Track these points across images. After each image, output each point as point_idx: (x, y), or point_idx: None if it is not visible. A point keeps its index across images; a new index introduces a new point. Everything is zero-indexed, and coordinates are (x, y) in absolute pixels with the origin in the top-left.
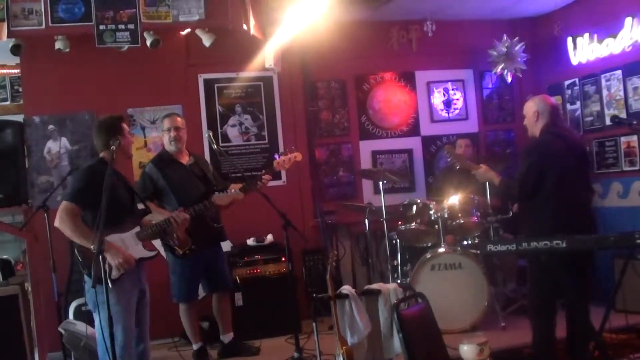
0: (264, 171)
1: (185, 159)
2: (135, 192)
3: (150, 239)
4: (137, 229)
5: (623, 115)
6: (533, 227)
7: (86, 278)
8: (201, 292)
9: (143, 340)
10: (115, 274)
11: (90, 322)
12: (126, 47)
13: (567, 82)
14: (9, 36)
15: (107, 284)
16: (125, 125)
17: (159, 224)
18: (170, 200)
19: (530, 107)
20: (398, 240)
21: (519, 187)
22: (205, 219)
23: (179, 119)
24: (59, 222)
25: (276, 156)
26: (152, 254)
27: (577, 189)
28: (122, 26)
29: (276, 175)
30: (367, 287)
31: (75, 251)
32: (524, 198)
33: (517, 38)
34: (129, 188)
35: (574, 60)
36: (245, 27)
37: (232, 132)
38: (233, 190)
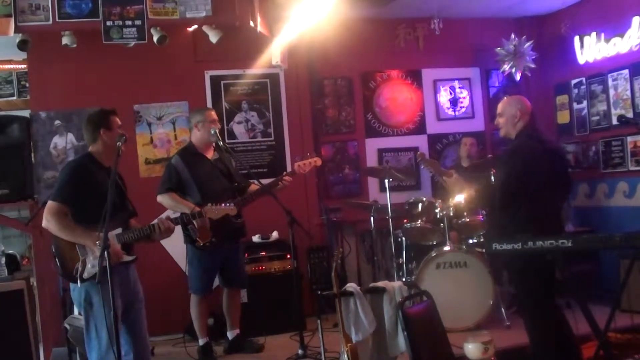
0: (285, 173)
1: (211, 154)
2: (125, 193)
3: (132, 242)
4: (119, 230)
5: (630, 114)
6: (504, 230)
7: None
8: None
9: (139, 341)
10: (86, 274)
11: None
12: (133, 43)
13: (574, 81)
14: (16, 31)
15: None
16: (115, 120)
17: (142, 229)
18: (194, 193)
19: (510, 107)
20: (403, 238)
21: (501, 194)
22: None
23: None
24: (45, 222)
25: (296, 159)
26: (130, 258)
27: (552, 192)
28: (129, 22)
29: (281, 173)
30: (372, 284)
31: (55, 257)
32: (504, 205)
33: (524, 37)
34: (119, 187)
35: (581, 60)
36: (252, 23)
37: (239, 129)
38: (228, 204)
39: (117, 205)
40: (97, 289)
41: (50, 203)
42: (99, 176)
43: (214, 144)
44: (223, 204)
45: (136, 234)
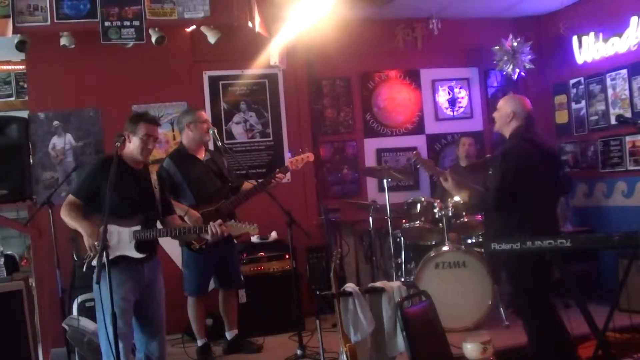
0: (277, 170)
1: (202, 155)
2: (154, 194)
3: (150, 240)
4: (137, 227)
5: (628, 114)
6: (501, 231)
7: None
8: (210, 286)
9: (154, 338)
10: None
11: (94, 319)
12: (131, 43)
13: (572, 81)
14: (14, 32)
15: (110, 281)
16: (145, 127)
17: (170, 230)
18: (187, 196)
19: (506, 106)
20: (402, 238)
21: (495, 196)
22: (221, 215)
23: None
24: (61, 213)
25: (289, 154)
26: (139, 256)
27: (547, 193)
28: (127, 23)
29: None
30: (370, 285)
31: (72, 243)
32: (499, 207)
33: (521, 37)
34: (147, 187)
35: (579, 59)
36: (250, 24)
37: (237, 130)
38: (252, 225)
39: (138, 203)
40: (105, 283)
41: (68, 196)
42: (123, 176)
43: (207, 145)
44: (246, 223)
45: (156, 234)
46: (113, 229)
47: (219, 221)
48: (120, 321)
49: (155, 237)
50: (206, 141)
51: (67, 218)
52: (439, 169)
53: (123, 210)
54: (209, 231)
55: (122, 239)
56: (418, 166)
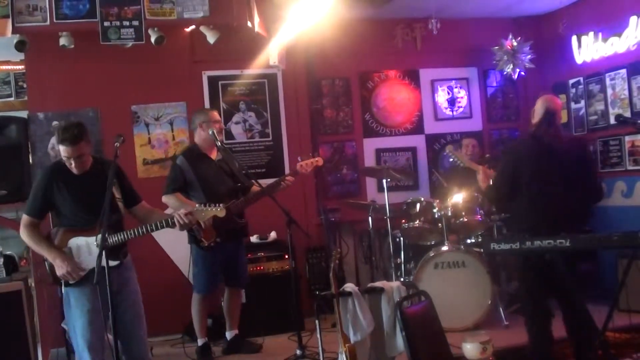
0: (287, 173)
1: (214, 155)
2: (113, 196)
3: (118, 244)
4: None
5: (627, 114)
6: (513, 226)
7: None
8: None
9: (132, 340)
10: (71, 280)
11: None
12: (130, 44)
13: (571, 81)
14: (13, 32)
15: (110, 294)
16: (62, 149)
17: (134, 230)
18: (198, 194)
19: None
20: (401, 238)
21: (494, 190)
22: (230, 215)
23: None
24: (21, 235)
25: (298, 158)
26: (114, 263)
27: (553, 190)
28: (126, 23)
29: (279, 173)
30: (370, 285)
31: (45, 262)
32: (499, 200)
33: (521, 37)
34: (99, 188)
35: (579, 59)
36: (249, 24)
37: (236, 130)
38: (217, 207)
39: (97, 210)
40: (74, 292)
41: (23, 216)
42: (72, 186)
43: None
44: (212, 206)
45: (125, 235)
46: (81, 242)
47: (182, 211)
48: (93, 335)
49: (125, 239)
50: (209, 145)
51: (30, 242)
52: (471, 162)
53: (87, 221)
54: (177, 222)
55: (93, 250)
56: (451, 159)
